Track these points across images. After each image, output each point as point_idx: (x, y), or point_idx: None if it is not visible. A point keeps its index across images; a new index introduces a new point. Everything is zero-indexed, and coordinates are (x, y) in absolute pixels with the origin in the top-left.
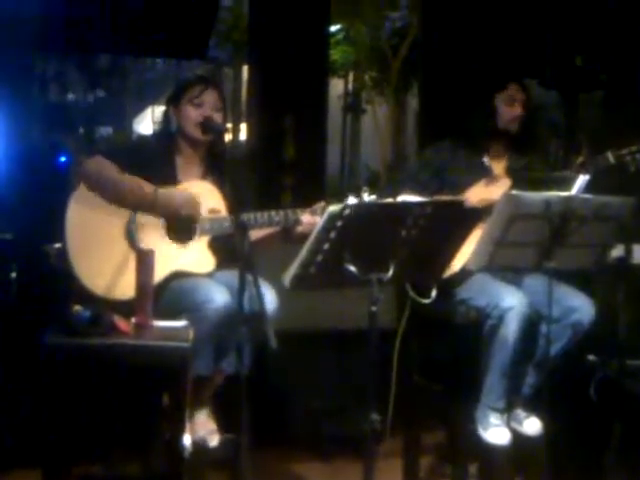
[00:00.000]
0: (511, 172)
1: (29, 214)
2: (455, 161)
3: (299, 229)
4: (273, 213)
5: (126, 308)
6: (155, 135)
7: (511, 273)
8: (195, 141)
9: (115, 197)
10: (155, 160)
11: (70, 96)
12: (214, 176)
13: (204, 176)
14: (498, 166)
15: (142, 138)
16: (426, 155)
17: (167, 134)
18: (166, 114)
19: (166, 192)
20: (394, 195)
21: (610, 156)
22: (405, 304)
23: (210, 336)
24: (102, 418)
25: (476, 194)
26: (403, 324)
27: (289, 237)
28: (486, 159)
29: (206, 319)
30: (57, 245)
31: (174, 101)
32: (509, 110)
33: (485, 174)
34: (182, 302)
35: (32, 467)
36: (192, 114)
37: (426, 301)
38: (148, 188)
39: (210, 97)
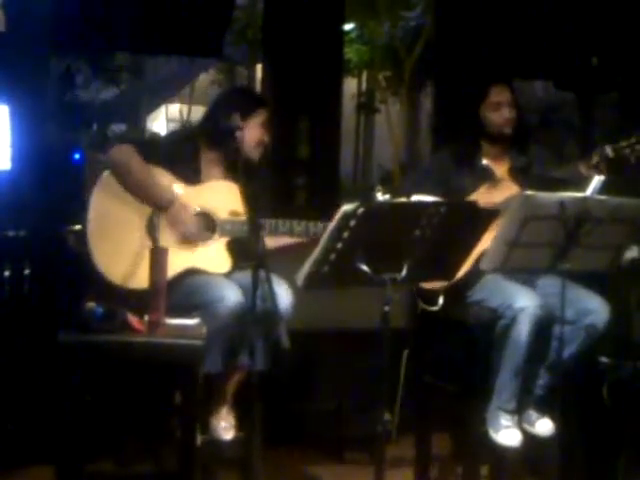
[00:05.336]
0: (514, 173)
1: (43, 211)
2: (457, 167)
3: None
4: (311, 224)
5: (139, 305)
6: (182, 133)
7: (524, 274)
8: (247, 158)
9: (133, 189)
10: (180, 158)
11: (84, 94)
12: (234, 177)
13: (225, 177)
14: (500, 168)
15: (170, 135)
16: (428, 164)
17: (228, 139)
18: (230, 124)
19: (181, 207)
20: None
21: (608, 149)
22: (417, 304)
23: (221, 334)
24: (114, 415)
25: (479, 199)
26: (414, 325)
27: None
28: (485, 162)
29: (218, 317)
30: (76, 227)
31: (245, 115)
32: (496, 116)
33: (487, 177)
34: (195, 298)
35: (45, 464)
36: (259, 136)
37: (434, 308)
38: (168, 193)
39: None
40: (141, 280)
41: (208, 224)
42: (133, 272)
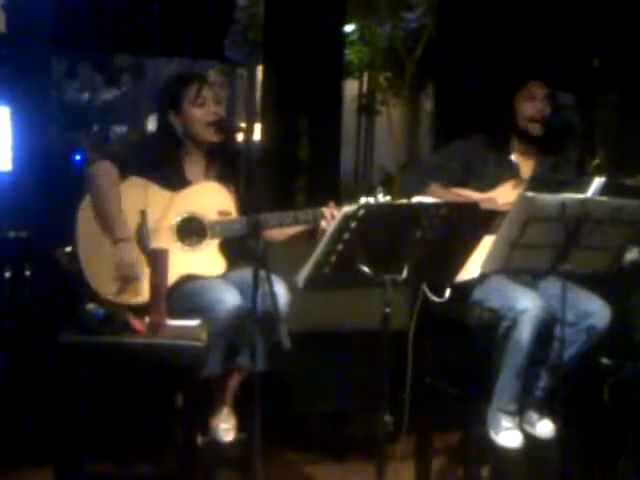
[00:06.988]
0: (539, 175)
1: (44, 212)
2: (485, 155)
3: (323, 224)
4: (300, 212)
5: (140, 307)
6: (160, 137)
7: (526, 276)
8: (205, 142)
9: (97, 210)
10: (162, 161)
11: (85, 95)
12: (215, 175)
13: (206, 175)
14: (526, 166)
15: (149, 139)
16: (457, 145)
17: (172, 136)
18: (165, 121)
19: (124, 248)
20: (422, 184)
21: None
22: (420, 298)
23: (220, 337)
24: (115, 416)
25: (504, 196)
26: (414, 324)
27: (314, 236)
28: (514, 157)
29: (216, 320)
30: (68, 249)
31: (173, 106)
32: (529, 106)
33: (513, 173)
34: (192, 303)
35: (45, 465)
36: (199, 115)
37: (440, 300)
38: (121, 231)
39: (208, 92)
40: (135, 294)
41: (198, 228)
42: (127, 287)
